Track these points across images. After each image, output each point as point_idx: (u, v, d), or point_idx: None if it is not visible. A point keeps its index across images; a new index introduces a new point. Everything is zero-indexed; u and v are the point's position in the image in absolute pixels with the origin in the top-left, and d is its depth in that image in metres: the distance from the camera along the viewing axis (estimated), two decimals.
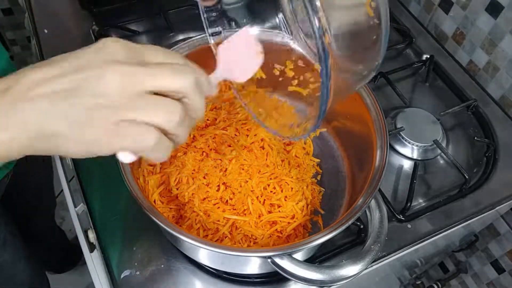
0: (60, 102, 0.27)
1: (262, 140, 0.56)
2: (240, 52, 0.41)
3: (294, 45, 0.52)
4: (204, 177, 0.52)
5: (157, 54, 0.31)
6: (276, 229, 0.51)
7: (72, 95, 0.27)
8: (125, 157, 0.30)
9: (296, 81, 0.48)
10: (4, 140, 0.27)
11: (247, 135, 0.56)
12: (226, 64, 0.39)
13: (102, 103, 0.27)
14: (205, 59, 0.58)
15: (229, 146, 0.54)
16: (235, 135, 0.55)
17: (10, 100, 0.27)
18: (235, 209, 0.51)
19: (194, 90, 0.30)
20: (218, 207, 0.51)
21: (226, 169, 0.52)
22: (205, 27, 0.48)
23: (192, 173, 0.52)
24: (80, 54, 0.29)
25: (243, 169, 0.53)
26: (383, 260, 0.58)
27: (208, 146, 0.54)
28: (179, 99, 0.30)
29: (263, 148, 0.56)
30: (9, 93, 0.27)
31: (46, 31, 0.77)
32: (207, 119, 0.59)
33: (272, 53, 0.49)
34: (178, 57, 0.32)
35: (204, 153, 0.54)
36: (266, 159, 0.54)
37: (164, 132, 0.30)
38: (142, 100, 0.28)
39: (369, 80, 0.41)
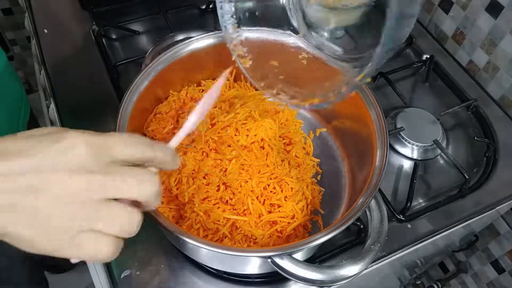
0: (18, 204, 0.26)
1: (262, 140, 0.56)
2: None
3: (303, 44, 0.53)
4: (204, 177, 0.52)
5: (124, 149, 0.30)
6: (276, 229, 0.51)
7: (30, 199, 0.27)
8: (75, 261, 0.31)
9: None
10: None
11: (247, 135, 0.56)
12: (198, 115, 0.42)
13: (63, 210, 0.27)
14: (205, 59, 0.59)
15: (229, 146, 0.54)
16: (235, 135, 0.55)
17: None
18: (235, 209, 0.51)
19: (155, 198, 0.31)
20: (218, 207, 0.51)
21: (226, 169, 0.52)
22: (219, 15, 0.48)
23: (192, 173, 0.52)
24: (42, 151, 0.27)
25: (243, 169, 0.53)
26: (383, 260, 0.58)
27: (208, 146, 0.54)
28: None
29: (263, 148, 0.56)
30: None
31: (46, 31, 0.78)
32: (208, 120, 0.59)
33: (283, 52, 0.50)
34: (143, 149, 0.31)
35: (204, 153, 0.54)
36: (266, 159, 0.54)
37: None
38: (102, 209, 0.28)
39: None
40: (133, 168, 0.30)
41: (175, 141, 0.40)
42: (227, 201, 0.52)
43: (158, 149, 0.32)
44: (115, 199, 0.29)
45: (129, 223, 0.30)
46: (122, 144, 0.30)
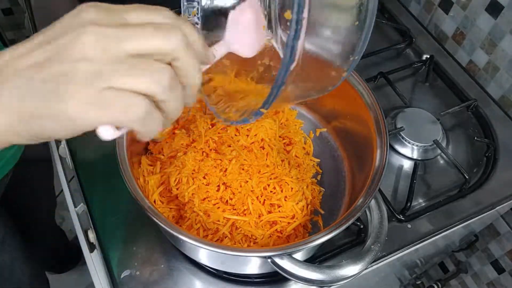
0: (35, 77, 0.25)
1: (262, 140, 0.56)
2: (249, 23, 0.37)
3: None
4: (204, 177, 0.52)
5: (140, 12, 0.27)
6: (276, 229, 0.51)
7: (47, 65, 0.25)
8: (107, 133, 0.27)
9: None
10: None
11: (247, 135, 0.56)
12: (234, 34, 0.36)
13: (81, 69, 0.25)
14: None
15: (229, 146, 0.54)
16: (235, 135, 0.55)
17: None
18: (235, 209, 0.51)
19: (184, 50, 0.27)
20: (218, 207, 0.51)
21: (226, 169, 0.52)
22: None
23: (192, 173, 0.52)
24: (57, 23, 0.27)
25: (243, 169, 0.53)
26: (383, 260, 0.58)
27: (208, 146, 0.55)
28: (169, 64, 0.27)
29: (263, 148, 0.56)
30: None
31: None
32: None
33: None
34: (166, 15, 0.28)
35: (204, 153, 0.54)
36: (266, 159, 0.54)
37: (154, 102, 0.27)
38: (125, 64, 0.25)
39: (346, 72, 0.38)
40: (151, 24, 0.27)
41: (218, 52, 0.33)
42: (227, 201, 0.52)
43: (182, 22, 0.28)
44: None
45: (157, 74, 0.26)
46: (136, 9, 0.27)
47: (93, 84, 0.25)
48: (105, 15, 0.26)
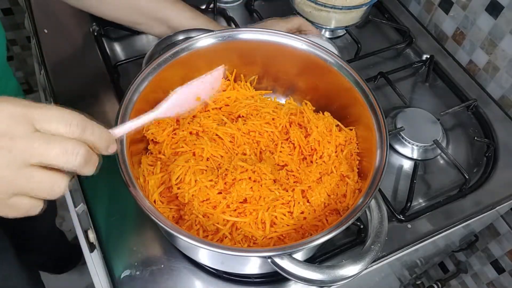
0: None
1: (258, 144, 0.56)
2: (186, 98, 0.46)
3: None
4: (210, 180, 0.51)
5: (48, 124, 0.30)
6: (276, 230, 0.51)
7: None
8: None
9: None
10: None
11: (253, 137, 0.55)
12: (171, 108, 0.43)
13: None
14: (205, 59, 0.59)
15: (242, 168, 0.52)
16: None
17: None
18: (235, 210, 0.51)
19: (83, 165, 0.31)
20: (215, 207, 0.51)
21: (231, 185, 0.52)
22: None
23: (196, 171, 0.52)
24: None
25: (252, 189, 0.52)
26: (383, 260, 0.58)
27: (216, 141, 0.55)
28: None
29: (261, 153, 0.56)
30: None
31: (46, 31, 0.77)
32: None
33: None
34: (75, 131, 0.31)
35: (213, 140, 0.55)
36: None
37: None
38: (25, 175, 0.29)
39: None
40: (56, 137, 0.30)
41: (121, 130, 0.38)
42: (228, 205, 0.51)
43: (89, 134, 0.32)
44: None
45: (51, 188, 0.31)
46: (46, 118, 0.30)
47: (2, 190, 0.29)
48: (18, 122, 0.29)
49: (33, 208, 0.31)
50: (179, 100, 0.47)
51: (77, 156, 0.30)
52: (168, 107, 0.43)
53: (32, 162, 0.29)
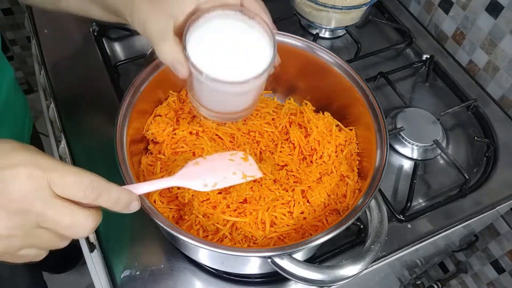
0: None
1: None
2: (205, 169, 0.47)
3: None
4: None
5: (64, 189, 0.32)
6: (276, 230, 0.51)
7: None
8: None
9: None
10: None
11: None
12: (187, 175, 0.44)
13: (3, 231, 0.30)
14: None
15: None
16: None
17: None
18: (235, 210, 0.51)
19: (89, 233, 0.34)
20: (215, 207, 0.51)
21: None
22: None
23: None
24: None
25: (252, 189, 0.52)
26: (383, 260, 0.58)
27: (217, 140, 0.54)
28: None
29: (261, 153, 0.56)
30: None
31: (46, 31, 0.77)
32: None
33: None
34: (90, 195, 0.33)
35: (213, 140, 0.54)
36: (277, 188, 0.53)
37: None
38: (38, 235, 0.32)
39: None
40: (69, 207, 0.32)
41: (142, 189, 0.40)
42: (228, 205, 0.51)
43: (105, 198, 0.34)
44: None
45: (58, 244, 0.34)
46: (64, 183, 0.31)
47: (9, 247, 0.31)
48: (35, 191, 0.30)
49: (39, 256, 0.34)
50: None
51: (85, 230, 0.33)
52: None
53: (43, 226, 0.31)
